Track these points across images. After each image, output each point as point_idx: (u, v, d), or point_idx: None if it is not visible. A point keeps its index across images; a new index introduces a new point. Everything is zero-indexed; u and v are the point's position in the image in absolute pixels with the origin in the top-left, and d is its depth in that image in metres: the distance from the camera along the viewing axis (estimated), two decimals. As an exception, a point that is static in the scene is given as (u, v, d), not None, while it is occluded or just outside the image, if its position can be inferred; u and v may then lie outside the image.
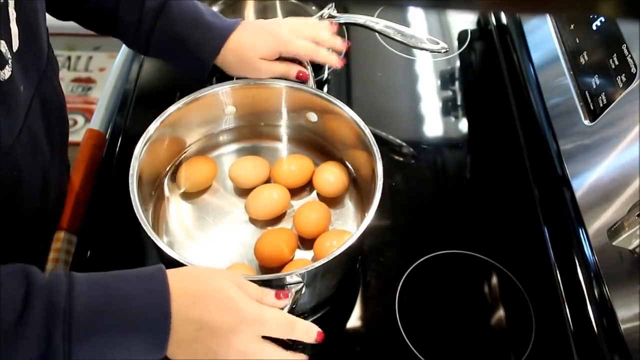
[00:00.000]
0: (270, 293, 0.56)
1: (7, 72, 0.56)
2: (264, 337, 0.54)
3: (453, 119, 0.93)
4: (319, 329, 0.57)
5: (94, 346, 0.48)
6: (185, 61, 0.78)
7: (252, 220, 0.75)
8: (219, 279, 0.53)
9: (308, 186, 0.78)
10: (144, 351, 0.49)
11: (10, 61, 0.56)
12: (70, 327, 0.46)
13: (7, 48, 0.56)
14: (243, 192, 0.76)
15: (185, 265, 0.59)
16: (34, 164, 0.64)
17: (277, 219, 0.75)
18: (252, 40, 0.77)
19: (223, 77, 0.80)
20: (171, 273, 0.52)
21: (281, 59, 0.79)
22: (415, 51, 1.00)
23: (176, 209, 0.76)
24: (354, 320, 0.71)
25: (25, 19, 0.59)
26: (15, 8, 0.57)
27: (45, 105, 0.65)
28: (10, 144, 0.58)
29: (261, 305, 0.54)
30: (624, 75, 0.67)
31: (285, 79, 0.79)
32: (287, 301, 0.57)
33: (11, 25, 0.57)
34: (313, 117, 0.79)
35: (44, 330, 0.46)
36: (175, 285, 0.51)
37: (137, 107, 0.90)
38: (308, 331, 0.56)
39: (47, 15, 0.74)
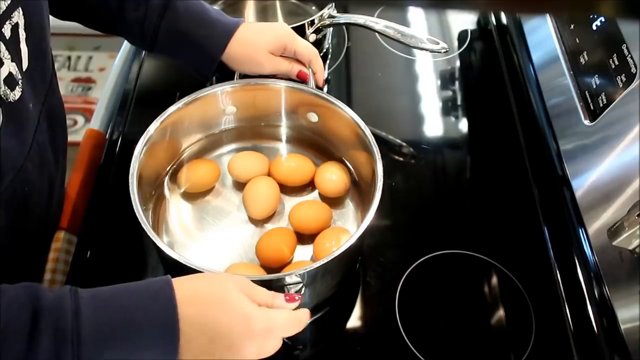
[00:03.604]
0: (280, 297, 0.57)
1: (17, 93, 0.56)
2: None
3: (453, 119, 0.93)
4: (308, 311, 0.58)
5: None
6: (192, 56, 0.78)
7: (252, 220, 0.75)
8: (228, 288, 0.53)
9: (309, 186, 0.78)
10: None
11: (20, 81, 0.56)
12: (79, 349, 0.46)
13: (17, 69, 0.56)
14: (242, 186, 0.76)
15: (184, 265, 0.59)
16: (41, 176, 0.64)
17: (275, 213, 0.75)
18: (257, 35, 0.78)
19: (223, 77, 0.80)
20: (179, 284, 0.52)
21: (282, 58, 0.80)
22: (415, 51, 1.00)
23: (176, 209, 0.76)
24: (354, 320, 0.71)
25: (34, 38, 0.59)
26: (25, 28, 0.57)
27: (51, 118, 0.66)
28: (21, 162, 0.58)
29: (269, 311, 0.54)
30: (624, 75, 0.67)
31: (286, 78, 0.79)
32: (297, 303, 0.57)
33: (21, 45, 0.57)
34: (313, 117, 0.79)
35: (54, 354, 0.46)
36: (184, 297, 0.50)
37: (137, 107, 0.90)
38: (307, 318, 0.57)
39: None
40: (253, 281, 0.57)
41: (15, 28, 0.55)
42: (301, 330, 0.56)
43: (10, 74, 0.55)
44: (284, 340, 0.56)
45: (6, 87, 0.54)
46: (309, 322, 0.57)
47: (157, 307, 0.50)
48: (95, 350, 0.47)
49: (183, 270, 0.61)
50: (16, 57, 0.56)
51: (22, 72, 0.57)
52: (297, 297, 0.57)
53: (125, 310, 0.49)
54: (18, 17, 0.56)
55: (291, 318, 0.55)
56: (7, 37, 0.54)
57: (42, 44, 0.62)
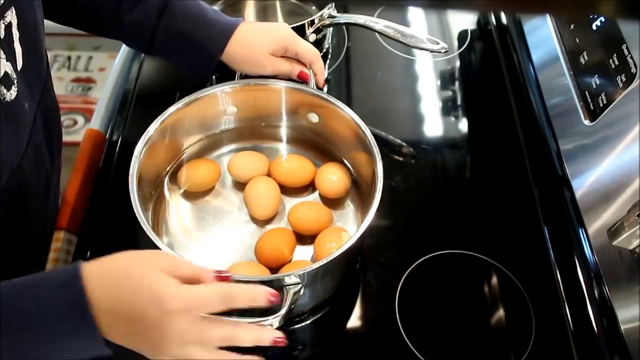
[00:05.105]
0: (206, 273, 0.53)
1: (13, 93, 0.56)
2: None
3: (453, 119, 0.93)
4: (269, 289, 0.52)
5: (22, 357, 0.47)
6: (191, 58, 0.78)
7: (253, 220, 0.75)
8: (144, 270, 0.50)
9: (309, 187, 0.78)
10: (85, 350, 0.49)
11: (16, 81, 0.56)
12: None
13: (12, 69, 0.56)
14: (242, 186, 0.76)
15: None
16: (38, 176, 0.64)
17: (276, 214, 0.75)
18: (257, 35, 0.78)
19: (223, 77, 0.80)
20: (89, 271, 0.49)
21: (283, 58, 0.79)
22: (415, 51, 1.00)
23: (176, 209, 0.76)
24: (354, 320, 0.71)
25: (27, 37, 0.59)
26: (19, 28, 0.57)
27: (46, 118, 0.66)
28: (18, 162, 0.58)
29: (190, 287, 0.50)
30: (624, 75, 0.67)
31: (287, 78, 0.79)
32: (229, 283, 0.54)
33: (15, 45, 0.57)
34: (314, 117, 0.79)
35: None
36: (95, 284, 0.48)
37: (137, 107, 0.90)
38: (254, 296, 0.52)
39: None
40: (252, 282, 0.57)
41: (8, 27, 0.55)
42: (238, 307, 0.51)
43: (5, 73, 0.55)
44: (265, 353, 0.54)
45: (2, 87, 0.54)
46: (266, 302, 0.52)
47: (62, 297, 0.48)
48: (3, 347, 0.46)
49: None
50: (11, 57, 0.56)
51: (17, 72, 0.57)
52: (226, 276, 0.53)
53: (28, 303, 0.48)
54: (11, 16, 0.56)
55: (216, 291, 0.51)
56: (1, 37, 0.54)
57: (37, 44, 0.62)
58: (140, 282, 0.49)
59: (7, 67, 0.55)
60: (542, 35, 0.86)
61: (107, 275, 0.50)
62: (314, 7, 0.97)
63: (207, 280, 0.52)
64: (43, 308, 0.47)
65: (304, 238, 0.72)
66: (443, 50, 0.86)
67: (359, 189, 0.77)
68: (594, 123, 0.71)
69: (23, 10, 0.58)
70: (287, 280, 0.60)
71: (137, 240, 0.74)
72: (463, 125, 0.93)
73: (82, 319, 0.48)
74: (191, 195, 0.77)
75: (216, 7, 0.99)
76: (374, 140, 0.71)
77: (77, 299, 0.48)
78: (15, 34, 0.57)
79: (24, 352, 0.47)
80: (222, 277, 0.53)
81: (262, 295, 0.52)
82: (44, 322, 0.47)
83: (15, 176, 0.58)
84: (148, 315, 0.49)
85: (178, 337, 0.49)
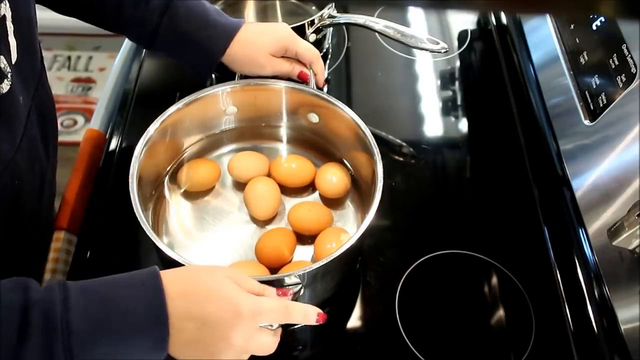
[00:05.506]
0: (271, 290, 0.57)
1: (6, 86, 0.56)
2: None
3: (453, 119, 0.93)
4: (319, 310, 0.57)
5: (96, 354, 0.48)
6: (192, 57, 0.78)
7: (253, 220, 0.75)
8: (217, 277, 0.53)
9: (309, 187, 0.78)
10: (146, 354, 0.50)
11: (9, 75, 0.56)
12: (69, 339, 0.46)
13: (6, 62, 0.56)
14: (242, 187, 0.76)
15: (184, 265, 0.59)
16: (32, 171, 0.64)
17: (276, 215, 0.75)
18: (258, 36, 0.78)
19: (223, 77, 0.80)
20: (167, 275, 0.52)
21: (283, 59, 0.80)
22: (415, 51, 1.00)
23: (176, 209, 0.76)
24: (354, 320, 0.71)
25: (21, 31, 0.59)
26: (13, 21, 0.57)
27: (41, 112, 0.66)
28: (11, 155, 0.58)
29: (257, 297, 0.54)
30: (624, 75, 0.67)
31: (287, 78, 0.79)
32: (287, 299, 0.57)
33: (9, 38, 0.57)
34: (314, 117, 0.79)
35: (45, 345, 0.46)
36: (172, 287, 0.50)
37: (137, 107, 0.90)
38: (307, 314, 0.57)
39: (47, 15, 0.74)
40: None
41: (2, 21, 0.55)
42: (293, 323, 0.56)
43: None
44: (281, 337, 0.56)
45: None
46: (315, 321, 0.57)
47: (144, 298, 0.49)
48: (86, 340, 0.47)
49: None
50: (5, 50, 0.56)
51: (12, 65, 0.57)
52: (289, 293, 0.57)
53: (113, 300, 0.49)
54: (5, 9, 0.56)
55: (278, 304, 0.55)
56: None
57: (31, 37, 0.62)
58: (217, 289, 0.52)
59: (0, 60, 0.55)
60: (542, 35, 0.86)
61: (182, 281, 0.52)
62: (314, 7, 0.97)
63: (269, 295, 0.56)
64: (125, 312, 0.49)
65: (304, 238, 0.72)
66: (443, 50, 0.86)
67: (359, 189, 0.77)
68: (594, 123, 0.71)
69: (17, 3, 0.57)
70: (287, 281, 0.60)
71: (137, 240, 0.74)
72: (463, 125, 0.93)
73: (162, 324, 0.49)
74: (191, 195, 0.77)
75: (216, 7, 0.99)
76: (374, 140, 0.71)
77: (157, 305, 0.49)
78: (10, 27, 0.57)
79: (94, 350, 0.48)
80: (284, 293, 0.57)
81: (313, 315, 0.57)
82: (123, 325, 0.48)
83: (9, 170, 0.58)
84: (222, 320, 0.51)
85: (242, 343, 0.52)
